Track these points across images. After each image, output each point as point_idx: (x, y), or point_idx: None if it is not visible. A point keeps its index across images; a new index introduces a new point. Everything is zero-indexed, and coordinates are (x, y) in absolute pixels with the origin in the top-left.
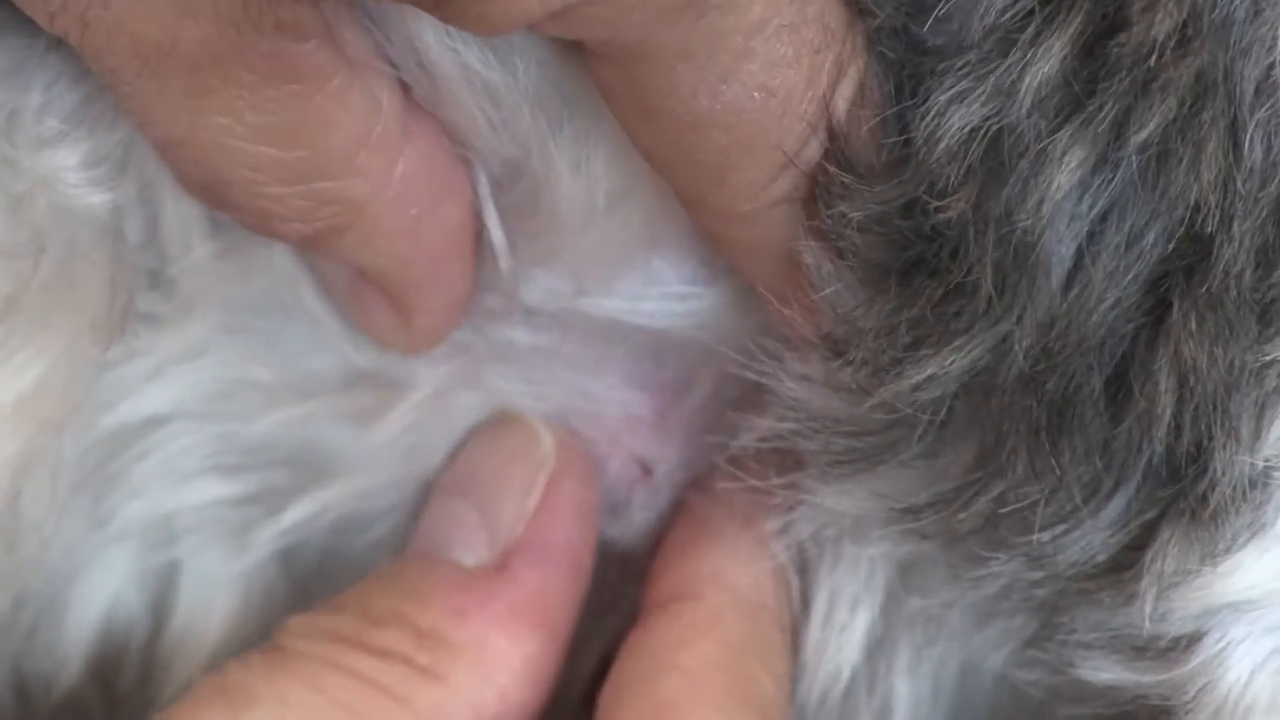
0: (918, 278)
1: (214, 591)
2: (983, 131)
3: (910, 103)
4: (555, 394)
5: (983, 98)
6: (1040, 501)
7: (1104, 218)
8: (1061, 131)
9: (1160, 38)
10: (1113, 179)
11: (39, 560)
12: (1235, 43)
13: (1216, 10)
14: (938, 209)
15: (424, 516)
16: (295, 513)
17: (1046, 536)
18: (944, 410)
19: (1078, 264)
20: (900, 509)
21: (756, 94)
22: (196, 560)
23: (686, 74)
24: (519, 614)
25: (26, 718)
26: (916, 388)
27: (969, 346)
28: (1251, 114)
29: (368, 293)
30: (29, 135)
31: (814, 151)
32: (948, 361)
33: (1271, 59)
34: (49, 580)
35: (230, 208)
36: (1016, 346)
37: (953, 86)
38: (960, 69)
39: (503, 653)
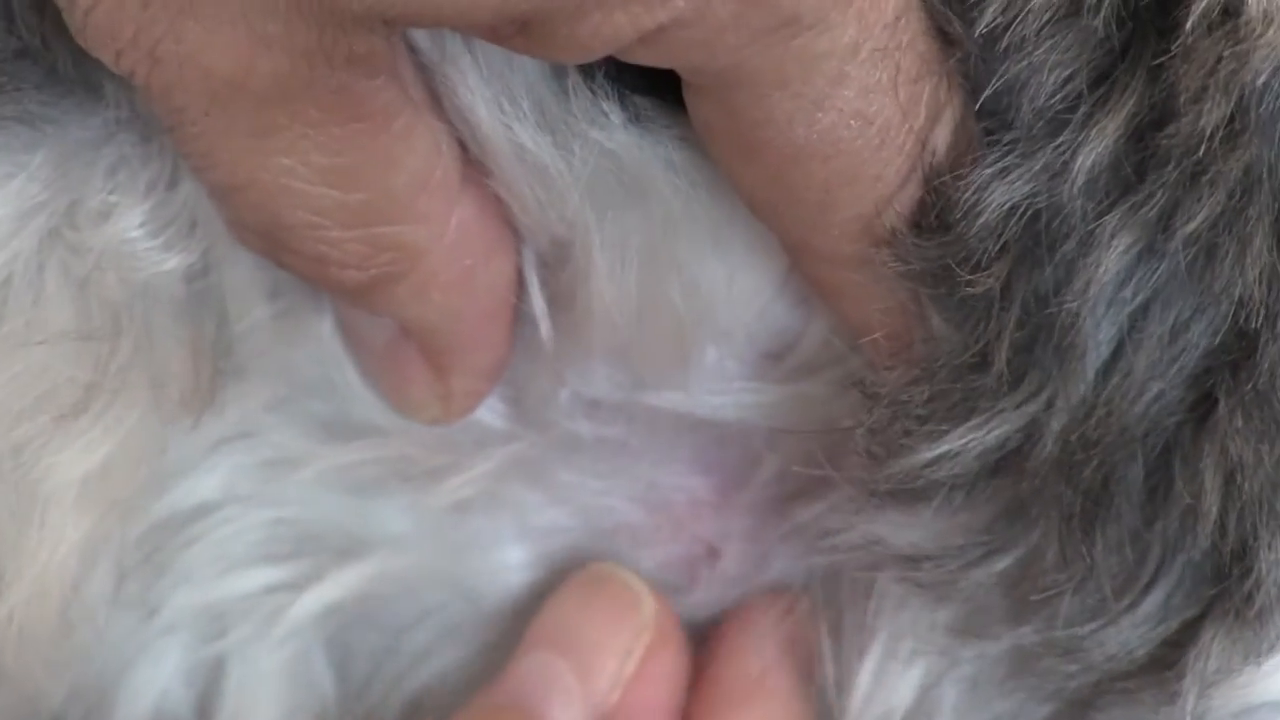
0: (937, 348)
1: (261, 687)
2: (1022, 210)
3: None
4: (620, 486)
5: (1027, 176)
6: (1068, 591)
7: (1145, 308)
8: (1111, 214)
9: (1208, 130)
10: (1158, 269)
11: (92, 650)
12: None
13: (1264, 105)
14: (968, 283)
15: (517, 664)
16: (336, 587)
17: (1083, 631)
18: (966, 487)
19: (1117, 352)
20: (898, 555)
21: (853, 121)
22: (244, 654)
23: (782, 101)
24: None
25: None
26: (929, 464)
27: (989, 427)
28: None
29: (406, 352)
30: (89, 212)
31: (915, 190)
32: (963, 440)
33: None
34: (99, 673)
35: (286, 254)
36: (1046, 431)
37: (997, 162)
38: (1006, 145)
39: None
